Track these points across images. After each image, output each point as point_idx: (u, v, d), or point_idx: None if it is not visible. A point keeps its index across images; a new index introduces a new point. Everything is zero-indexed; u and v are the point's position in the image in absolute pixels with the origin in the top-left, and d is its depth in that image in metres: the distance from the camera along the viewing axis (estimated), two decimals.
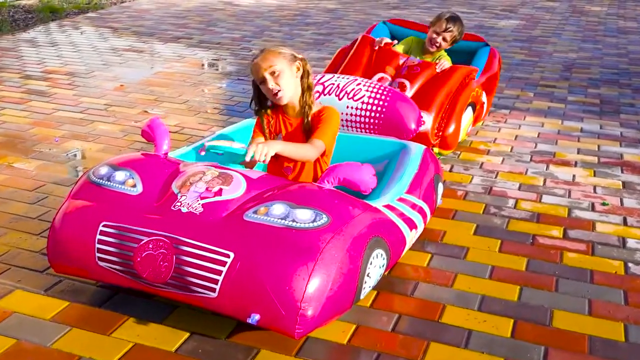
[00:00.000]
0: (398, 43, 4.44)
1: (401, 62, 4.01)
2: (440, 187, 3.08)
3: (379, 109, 3.26)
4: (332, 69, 4.12)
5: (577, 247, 2.99)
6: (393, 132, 3.25)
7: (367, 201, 2.44)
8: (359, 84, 3.34)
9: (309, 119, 2.75)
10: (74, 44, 7.01)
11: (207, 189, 2.30)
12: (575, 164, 3.96)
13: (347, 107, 3.30)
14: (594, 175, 3.80)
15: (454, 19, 4.24)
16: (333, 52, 6.77)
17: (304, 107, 2.75)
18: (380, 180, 2.99)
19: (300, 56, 2.77)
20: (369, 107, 3.27)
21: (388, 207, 2.51)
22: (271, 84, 2.67)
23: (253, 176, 2.40)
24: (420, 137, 3.69)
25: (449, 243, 2.99)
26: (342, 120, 3.34)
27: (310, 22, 8.50)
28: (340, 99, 3.31)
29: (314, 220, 2.14)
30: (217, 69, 6.10)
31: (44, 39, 7.20)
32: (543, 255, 2.91)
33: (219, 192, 2.28)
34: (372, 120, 3.27)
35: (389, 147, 3.17)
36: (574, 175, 3.78)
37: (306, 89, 2.77)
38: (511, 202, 3.42)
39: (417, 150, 3.08)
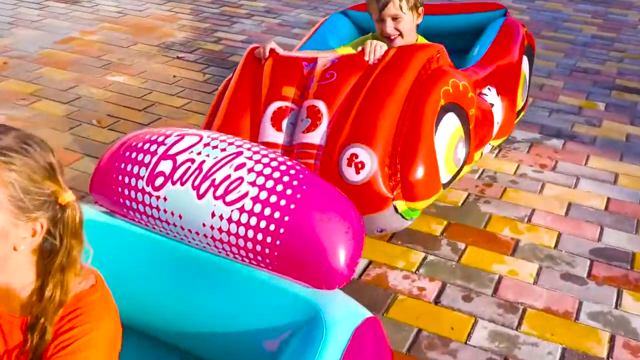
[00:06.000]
0: (347, 44, 2.70)
1: (306, 70, 2.29)
2: None
3: (274, 227, 1.56)
4: (215, 110, 2.41)
5: None
6: (300, 273, 1.56)
7: None
8: (240, 165, 1.62)
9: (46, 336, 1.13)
10: None
11: None
12: None
13: (213, 215, 1.60)
14: None
15: None
16: (330, 12, 5.00)
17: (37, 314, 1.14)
18: None
19: None
20: (253, 221, 1.57)
21: None
22: None
23: None
24: (367, 190, 2.05)
25: None
26: (204, 236, 1.66)
27: None
28: (200, 197, 1.61)
29: None
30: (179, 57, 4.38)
31: None
32: None
33: None
34: (257, 248, 1.58)
35: (286, 315, 1.51)
36: None
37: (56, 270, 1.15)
38: None
39: (342, 333, 1.42)
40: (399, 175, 2.10)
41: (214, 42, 4.32)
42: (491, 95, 2.59)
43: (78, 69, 3.77)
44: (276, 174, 1.63)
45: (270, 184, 1.61)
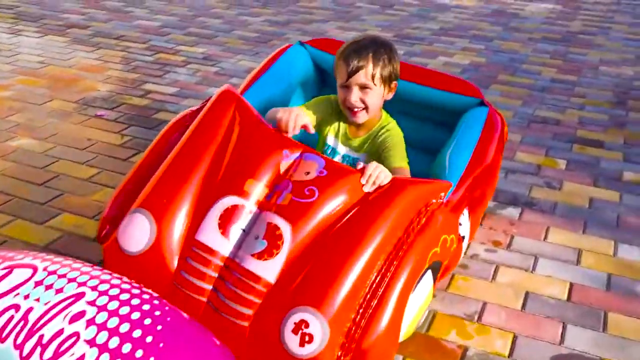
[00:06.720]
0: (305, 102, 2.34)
1: (284, 165, 1.89)
2: None
3: None
4: (139, 177, 2.00)
5: None
6: None
7: None
8: (78, 315, 1.21)
9: None
10: None
11: None
12: None
13: None
14: None
15: (367, 45, 2.10)
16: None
17: None
18: None
19: None
20: None
21: None
22: None
23: None
24: None
25: None
26: None
27: (270, 1, 6.29)
28: (24, 358, 1.22)
29: None
30: None
31: None
32: None
33: None
34: None
35: None
36: None
37: None
38: None
39: None
40: (353, 347, 1.68)
41: (140, 96, 3.92)
42: (464, 223, 2.19)
43: None
44: (124, 327, 1.22)
45: (114, 342, 1.20)
